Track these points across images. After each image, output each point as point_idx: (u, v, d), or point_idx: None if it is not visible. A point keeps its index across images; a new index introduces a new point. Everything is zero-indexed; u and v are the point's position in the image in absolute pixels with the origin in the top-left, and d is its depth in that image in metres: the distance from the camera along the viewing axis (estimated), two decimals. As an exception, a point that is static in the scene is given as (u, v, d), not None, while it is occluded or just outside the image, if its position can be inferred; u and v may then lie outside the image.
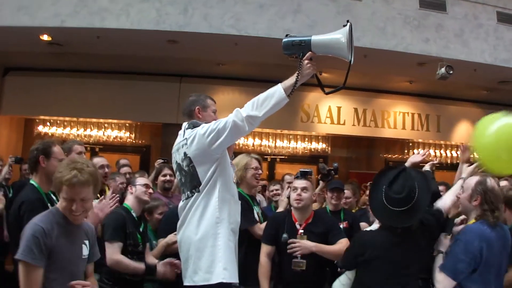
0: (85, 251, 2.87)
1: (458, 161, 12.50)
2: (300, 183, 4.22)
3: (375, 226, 3.92)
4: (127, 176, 5.97)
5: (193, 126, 3.42)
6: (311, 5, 8.09)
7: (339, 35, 3.14)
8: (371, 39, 8.17)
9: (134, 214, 4.24)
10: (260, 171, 4.75)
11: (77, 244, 2.79)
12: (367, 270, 3.37)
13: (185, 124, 3.53)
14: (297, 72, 3.17)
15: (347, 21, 3.18)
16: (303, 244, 3.98)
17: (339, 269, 4.06)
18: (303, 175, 4.36)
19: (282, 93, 3.14)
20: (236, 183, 4.08)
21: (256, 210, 4.66)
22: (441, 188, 5.95)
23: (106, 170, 5.22)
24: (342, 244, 4.03)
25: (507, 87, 10.32)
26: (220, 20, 7.76)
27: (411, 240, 3.37)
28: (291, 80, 3.17)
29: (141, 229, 4.28)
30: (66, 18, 7.58)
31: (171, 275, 4.18)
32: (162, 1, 7.71)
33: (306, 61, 3.18)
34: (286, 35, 3.31)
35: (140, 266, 4.11)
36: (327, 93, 3.41)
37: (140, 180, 4.41)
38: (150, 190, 4.43)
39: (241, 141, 11.17)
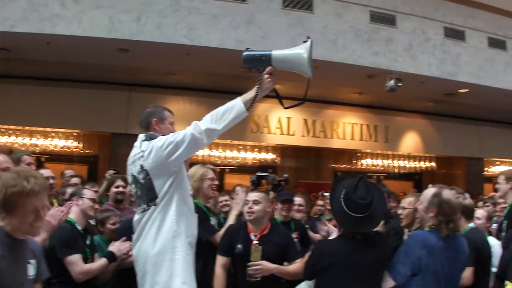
0: (31, 271, 2.66)
1: (404, 171, 13.00)
2: (252, 196, 4.21)
3: (334, 235, 3.97)
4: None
5: (150, 138, 3.36)
6: (264, 17, 8.18)
7: (301, 50, 3.15)
8: (322, 51, 8.29)
9: (79, 228, 4.11)
10: (216, 182, 4.72)
11: (22, 265, 2.58)
12: (324, 278, 3.35)
13: (141, 136, 3.45)
14: (257, 86, 3.16)
15: (308, 37, 3.19)
16: (264, 266, 3.98)
17: None
18: (259, 179, 4.36)
19: (242, 106, 3.13)
20: (192, 195, 4.08)
21: (213, 222, 4.63)
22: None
23: (51, 181, 5.05)
24: (300, 264, 4.04)
25: (453, 99, 10.74)
26: (173, 30, 7.73)
27: (370, 248, 3.38)
28: (250, 94, 3.16)
29: (87, 242, 4.16)
30: (16, 23, 7.36)
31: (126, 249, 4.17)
32: (115, 9, 7.61)
33: (266, 76, 3.17)
34: (246, 49, 3.29)
35: (101, 261, 4.04)
36: (286, 108, 3.42)
37: (88, 193, 4.25)
38: (97, 206, 4.33)
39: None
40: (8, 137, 10.78)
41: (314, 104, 11.40)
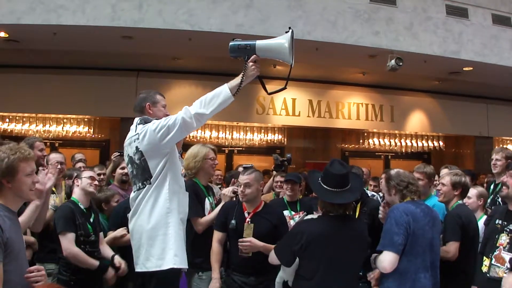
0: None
1: (412, 150, 13.03)
2: (243, 179, 4.39)
3: (310, 217, 4.18)
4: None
5: (145, 122, 3.61)
6: (263, 0, 8.28)
7: (283, 40, 3.37)
8: (322, 33, 8.40)
9: (82, 206, 4.36)
10: (216, 161, 4.94)
11: (20, 234, 2.89)
12: (305, 258, 3.46)
13: (136, 119, 3.70)
14: (242, 73, 3.39)
15: (289, 28, 3.40)
16: (253, 243, 4.17)
17: None
18: (245, 169, 4.58)
19: (228, 92, 3.36)
20: (185, 175, 4.31)
21: (210, 201, 4.83)
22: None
23: (59, 166, 5.27)
24: None
25: (458, 78, 10.69)
26: (174, 16, 7.91)
27: (348, 226, 3.55)
28: (236, 81, 3.39)
29: (91, 220, 4.41)
30: (22, 15, 7.63)
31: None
32: (117, -3, 7.82)
33: (250, 64, 3.40)
34: (233, 39, 3.53)
35: (95, 263, 4.24)
36: (269, 93, 3.65)
37: (86, 173, 4.52)
38: (96, 182, 4.54)
39: (198, 133, 11.39)
40: (22, 124, 11.16)
41: (319, 84, 11.57)
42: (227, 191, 4.70)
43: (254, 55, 3.41)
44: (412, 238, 3.51)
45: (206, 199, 4.77)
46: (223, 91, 3.37)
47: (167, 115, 3.62)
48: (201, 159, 4.75)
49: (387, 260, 3.49)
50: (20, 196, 2.82)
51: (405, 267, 3.51)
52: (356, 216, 4.59)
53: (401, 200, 3.71)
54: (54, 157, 5.29)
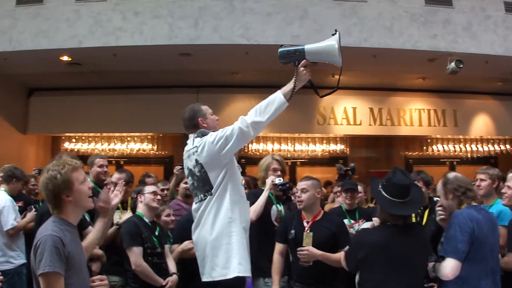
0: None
1: (478, 155, 12.62)
2: (301, 184, 4.43)
3: (367, 224, 4.14)
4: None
5: (202, 134, 3.70)
6: (317, 10, 8.28)
7: (332, 42, 3.39)
8: (378, 39, 8.31)
9: (146, 220, 4.53)
10: (279, 172, 5.00)
11: (80, 246, 2.95)
12: (366, 269, 3.46)
13: (192, 134, 3.81)
14: (294, 78, 3.43)
15: (335, 30, 3.42)
16: (311, 252, 4.17)
17: None
18: (281, 186, 4.67)
19: (282, 98, 3.41)
20: (246, 185, 4.40)
21: (278, 208, 4.91)
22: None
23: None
24: (343, 252, 4.20)
25: (523, 77, 10.28)
26: (230, 31, 8.03)
27: (410, 236, 3.50)
28: (289, 86, 3.43)
29: (156, 233, 4.56)
30: (83, 38, 7.97)
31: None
32: (173, 16, 8.03)
33: (301, 68, 3.43)
34: (281, 45, 3.57)
35: (160, 281, 4.37)
36: (321, 96, 3.66)
37: (148, 189, 4.68)
38: (158, 197, 4.68)
39: (261, 146, 11.46)
40: (88, 144, 11.58)
41: (379, 92, 11.38)
42: (269, 179, 4.83)
43: (304, 60, 3.44)
44: (475, 245, 3.42)
45: (274, 206, 4.84)
46: (277, 97, 3.42)
47: (217, 120, 3.78)
48: (264, 169, 4.96)
49: (449, 267, 3.39)
50: (81, 206, 2.87)
51: (467, 274, 3.41)
52: (424, 223, 4.52)
53: (458, 205, 3.61)
54: (118, 177, 5.43)
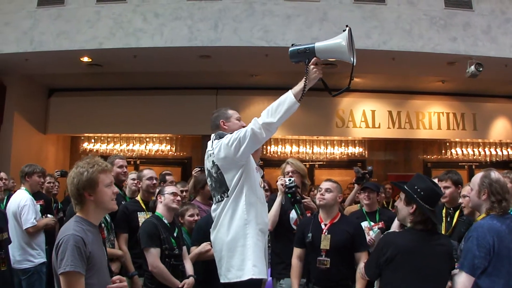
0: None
1: (497, 159, 12.48)
2: (325, 184, 4.46)
3: (395, 225, 4.13)
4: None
5: (219, 137, 3.73)
6: (337, 13, 8.28)
7: (340, 39, 3.34)
8: (398, 42, 8.29)
9: (165, 221, 4.53)
10: (290, 174, 5.03)
11: (102, 247, 2.98)
12: (390, 270, 3.38)
13: (213, 135, 3.83)
14: (305, 77, 3.40)
15: (346, 26, 3.38)
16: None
17: None
18: (289, 188, 4.68)
19: (293, 98, 3.39)
20: (265, 186, 4.41)
21: (298, 212, 4.90)
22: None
23: (154, 181, 5.45)
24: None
25: (543, 81, 10.15)
26: (250, 33, 8.07)
27: (436, 240, 3.44)
28: (299, 86, 3.41)
29: (175, 234, 4.56)
30: (104, 40, 8.08)
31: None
32: (193, 18, 8.09)
33: (312, 66, 3.40)
34: (292, 45, 3.54)
35: (176, 283, 4.37)
36: (333, 95, 3.63)
37: (168, 189, 4.69)
38: (178, 198, 4.68)
39: (279, 148, 11.47)
40: (107, 144, 11.69)
41: (398, 95, 11.33)
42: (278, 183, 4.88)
43: (315, 58, 3.40)
44: (495, 259, 3.28)
45: (293, 210, 4.86)
46: (288, 97, 3.41)
47: (244, 127, 3.69)
48: (282, 174, 5.05)
49: (461, 282, 3.28)
50: (102, 208, 2.90)
51: None
52: (453, 224, 4.46)
53: (487, 210, 3.43)
54: (147, 173, 5.46)
